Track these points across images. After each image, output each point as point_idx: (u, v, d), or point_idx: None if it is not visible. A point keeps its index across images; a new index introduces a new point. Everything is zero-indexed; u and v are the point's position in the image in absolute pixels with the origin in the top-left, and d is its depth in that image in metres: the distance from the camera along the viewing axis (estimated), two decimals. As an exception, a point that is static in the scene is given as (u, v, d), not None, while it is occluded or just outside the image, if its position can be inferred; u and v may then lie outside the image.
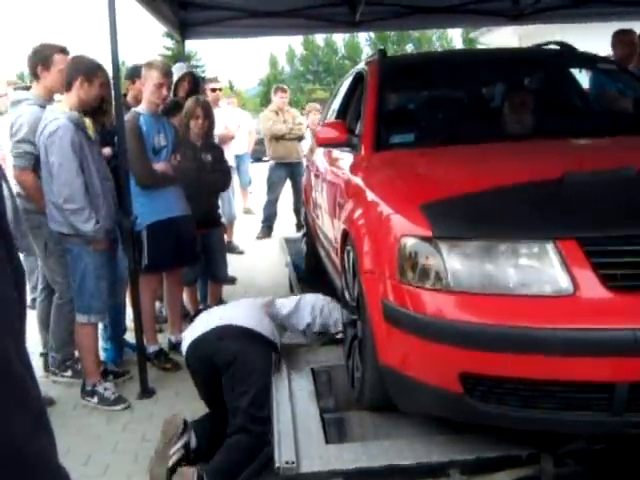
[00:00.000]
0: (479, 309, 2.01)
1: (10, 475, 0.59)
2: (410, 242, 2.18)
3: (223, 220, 5.66)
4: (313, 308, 3.37)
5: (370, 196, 2.74)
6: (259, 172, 10.78)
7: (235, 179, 7.37)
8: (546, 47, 4.21)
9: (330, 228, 3.76)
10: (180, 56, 7.42)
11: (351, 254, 2.76)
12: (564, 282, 1.95)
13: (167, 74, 4.18)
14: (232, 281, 5.86)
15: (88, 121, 3.69)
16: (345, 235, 2.95)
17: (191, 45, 20.00)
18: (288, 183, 8.44)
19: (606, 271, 1.93)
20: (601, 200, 2.19)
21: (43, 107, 3.73)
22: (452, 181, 2.55)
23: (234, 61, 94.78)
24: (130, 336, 4.19)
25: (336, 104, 4.80)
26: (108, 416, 3.62)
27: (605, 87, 4.30)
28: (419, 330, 2.10)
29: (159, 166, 4.17)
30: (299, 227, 7.64)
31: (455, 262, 2.05)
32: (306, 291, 4.00)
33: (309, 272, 5.24)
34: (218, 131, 6.22)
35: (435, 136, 3.35)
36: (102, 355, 4.18)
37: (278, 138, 8.24)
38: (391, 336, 2.26)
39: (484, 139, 3.10)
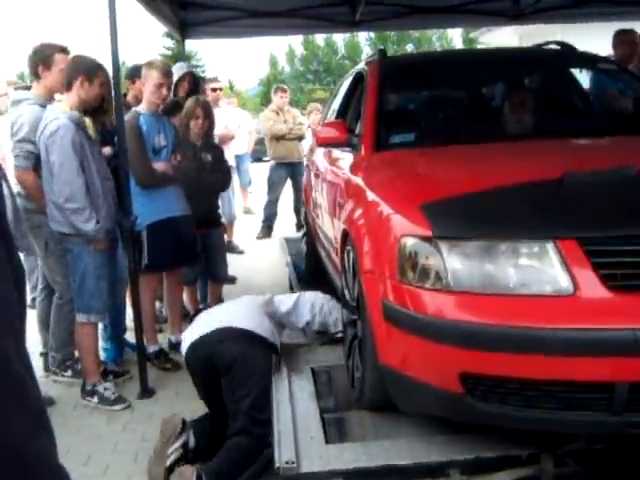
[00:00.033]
0: (479, 309, 2.01)
1: (10, 475, 0.59)
2: (410, 242, 2.18)
3: (223, 220, 5.67)
4: (312, 306, 3.37)
5: (370, 196, 2.74)
6: (259, 172, 10.78)
7: (235, 179, 7.37)
8: (546, 47, 4.21)
9: (330, 228, 3.76)
10: (180, 56, 7.42)
11: (351, 254, 2.76)
12: (564, 282, 1.95)
13: (167, 74, 4.18)
14: (232, 281, 5.86)
15: (88, 121, 3.69)
16: (345, 235, 2.94)
17: (191, 45, 20.04)
18: (289, 183, 8.44)
19: (606, 271, 1.93)
20: (601, 200, 2.19)
21: (44, 107, 3.73)
22: (452, 181, 2.55)
23: (234, 61, 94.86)
24: (130, 336, 4.20)
25: (336, 104, 4.80)
26: (108, 416, 3.63)
27: (605, 87, 4.30)
28: (419, 330, 2.10)
29: (159, 166, 4.17)
30: (299, 227, 7.64)
31: (455, 262, 2.05)
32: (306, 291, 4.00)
33: (309, 272, 5.23)
34: (218, 131, 6.22)
35: (435, 136, 3.35)
36: (102, 355, 4.18)
37: (279, 138, 8.24)
38: (391, 336, 2.26)
39: (484, 139, 3.10)
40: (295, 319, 3.38)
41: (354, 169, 3.21)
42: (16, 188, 3.81)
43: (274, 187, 8.36)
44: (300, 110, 10.46)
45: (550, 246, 1.99)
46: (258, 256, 7.41)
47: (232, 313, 3.19)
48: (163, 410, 3.53)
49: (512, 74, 4.05)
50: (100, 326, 4.08)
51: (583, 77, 4.40)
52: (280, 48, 57.36)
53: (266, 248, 7.72)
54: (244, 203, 9.88)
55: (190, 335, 3.13)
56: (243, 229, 8.41)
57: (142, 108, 4.19)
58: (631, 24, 5.61)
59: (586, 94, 4.21)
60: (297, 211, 8.15)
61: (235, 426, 2.84)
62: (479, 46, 17.56)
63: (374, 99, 3.43)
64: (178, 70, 5.20)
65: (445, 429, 2.32)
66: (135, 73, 4.73)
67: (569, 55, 4.12)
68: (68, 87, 3.64)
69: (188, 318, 4.60)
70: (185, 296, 4.93)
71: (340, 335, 3.19)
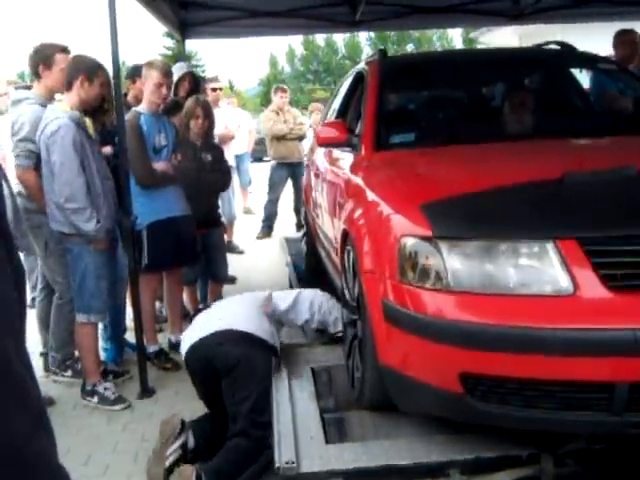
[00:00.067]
0: (479, 309, 2.01)
1: (10, 475, 0.59)
2: (410, 242, 2.18)
3: (223, 220, 5.67)
4: (311, 304, 3.36)
5: (370, 196, 2.74)
6: (259, 172, 10.78)
7: (235, 179, 7.37)
8: (546, 47, 4.21)
9: (330, 228, 3.76)
10: (180, 56, 7.43)
11: (351, 254, 2.76)
12: (564, 282, 1.95)
13: (167, 74, 4.18)
14: (232, 281, 5.86)
15: (88, 120, 3.69)
16: (345, 235, 2.94)
17: (191, 45, 20.03)
18: (289, 183, 8.44)
19: (606, 271, 1.93)
20: (601, 200, 2.19)
21: (44, 106, 3.73)
22: (452, 181, 2.55)
23: (234, 61, 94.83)
24: (130, 336, 4.20)
25: (336, 104, 4.80)
26: (108, 416, 3.62)
27: (605, 87, 4.30)
28: (419, 330, 2.10)
29: (159, 166, 4.17)
30: (299, 227, 7.64)
31: (455, 262, 2.05)
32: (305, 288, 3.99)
33: (309, 272, 5.24)
34: (218, 131, 6.22)
35: (435, 136, 3.35)
36: (102, 355, 4.18)
37: (279, 138, 8.24)
38: (391, 336, 2.26)
39: (484, 139, 3.10)
40: (294, 317, 3.38)
41: (354, 169, 3.21)
42: (17, 188, 3.82)
43: (275, 187, 8.37)
44: (300, 110, 10.45)
45: (550, 246, 1.99)
46: (258, 256, 7.41)
47: (231, 314, 3.16)
48: (163, 410, 3.53)
49: (512, 74, 4.05)
50: (100, 326, 4.08)
51: (583, 77, 4.40)
52: (280, 48, 57.39)
53: (266, 248, 7.72)
54: (244, 203, 9.88)
55: (190, 337, 3.12)
56: (243, 229, 8.41)
57: (142, 108, 4.20)
58: (631, 24, 5.61)
59: (586, 94, 4.21)
60: (297, 211, 8.15)
61: (235, 428, 2.83)
62: (479, 46, 17.55)
63: (374, 99, 3.43)
64: (178, 70, 5.20)
65: (445, 429, 2.32)
66: (135, 73, 4.73)
67: (569, 55, 4.12)
68: (68, 87, 3.64)
69: (188, 318, 4.60)
70: (185, 296, 4.93)
71: (340, 335, 3.19)
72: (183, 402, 3.61)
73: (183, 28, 6.70)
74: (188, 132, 4.63)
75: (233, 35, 7.62)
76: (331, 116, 4.80)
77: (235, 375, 2.88)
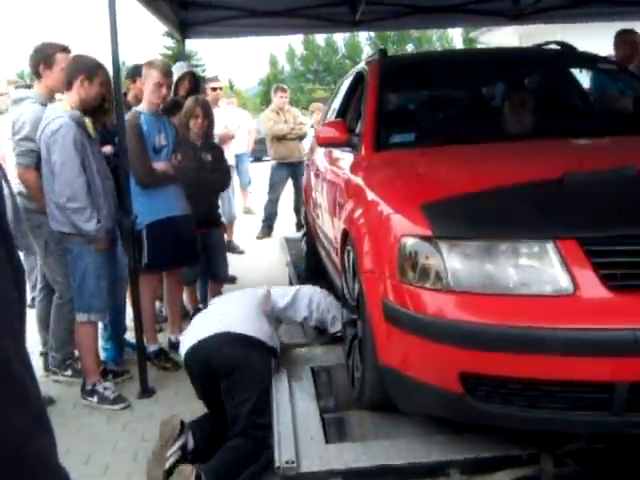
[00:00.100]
0: (479, 309, 2.01)
1: (10, 475, 0.59)
2: (410, 242, 2.18)
3: (223, 220, 5.67)
4: (310, 301, 3.36)
5: (370, 196, 2.74)
6: (259, 172, 10.78)
7: (235, 179, 7.37)
8: (546, 47, 4.21)
9: (330, 228, 3.76)
10: (180, 55, 7.42)
11: (351, 254, 2.76)
12: (564, 282, 1.95)
13: (167, 73, 4.18)
14: (232, 281, 5.86)
15: (88, 120, 3.69)
16: (345, 235, 2.94)
17: (191, 44, 20.04)
18: (289, 182, 8.44)
19: (606, 271, 1.93)
20: (601, 200, 2.20)
21: (45, 105, 3.74)
22: (452, 181, 2.55)
23: (234, 61, 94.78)
24: (130, 335, 4.20)
25: (336, 104, 4.80)
26: (108, 415, 3.62)
27: (606, 87, 4.30)
28: (419, 330, 2.10)
29: (159, 165, 4.17)
30: (299, 227, 7.64)
31: (455, 262, 2.05)
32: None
33: (309, 272, 5.24)
34: (218, 131, 6.22)
35: (435, 136, 3.35)
36: (102, 354, 4.18)
37: (280, 138, 8.24)
38: (391, 336, 2.26)
39: (484, 139, 3.10)
40: (293, 314, 3.38)
41: (354, 169, 3.21)
42: (17, 187, 3.82)
43: (275, 187, 8.37)
44: (300, 110, 10.45)
45: (550, 246, 1.99)
46: (258, 256, 7.41)
47: (230, 316, 3.13)
48: (163, 410, 3.53)
49: (512, 74, 4.05)
50: (100, 326, 4.08)
51: (583, 77, 4.40)
52: (280, 48, 57.45)
53: (266, 248, 7.72)
54: (244, 203, 9.88)
55: (189, 338, 3.10)
56: (243, 229, 8.41)
57: (142, 108, 4.20)
58: (632, 24, 5.61)
59: (586, 94, 4.21)
60: (297, 211, 8.15)
61: (235, 429, 2.83)
62: (479, 46, 17.55)
63: (374, 99, 3.43)
64: (178, 70, 5.20)
65: (445, 429, 2.32)
66: (135, 72, 4.73)
67: (569, 55, 4.12)
68: (68, 86, 3.64)
69: (188, 318, 4.60)
70: (185, 296, 4.93)
71: (339, 334, 3.19)
72: (183, 402, 3.61)
73: (183, 28, 6.70)
74: (188, 132, 4.63)
75: (233, 35, 7.62)
76: (331, 116, 4.80)
77: (234, 378, 2.87)
